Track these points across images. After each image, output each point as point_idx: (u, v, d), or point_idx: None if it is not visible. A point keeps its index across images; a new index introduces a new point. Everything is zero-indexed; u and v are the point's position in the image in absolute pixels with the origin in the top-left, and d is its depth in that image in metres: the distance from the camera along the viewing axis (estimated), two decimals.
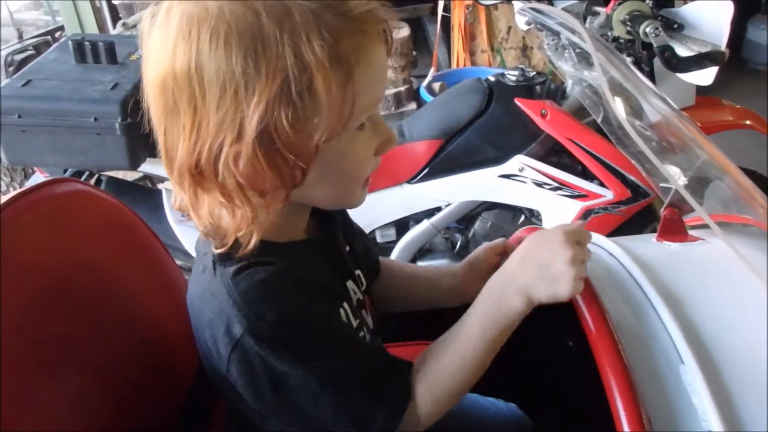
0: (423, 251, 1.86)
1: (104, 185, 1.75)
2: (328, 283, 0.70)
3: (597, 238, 0.84)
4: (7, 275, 0.65)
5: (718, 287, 0.73)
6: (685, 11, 1.33)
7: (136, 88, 0.79)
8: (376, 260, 0.91)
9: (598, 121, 1.31)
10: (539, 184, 1.66)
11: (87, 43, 1.60)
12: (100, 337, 0.75)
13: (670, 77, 1.42)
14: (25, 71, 1.59)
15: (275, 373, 0.62)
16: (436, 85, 2.97)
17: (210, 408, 0.86)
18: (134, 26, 2.54)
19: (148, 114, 0.62)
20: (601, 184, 1.64)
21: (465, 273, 0.85)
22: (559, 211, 1.69)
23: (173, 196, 0.67)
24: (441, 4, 3.19)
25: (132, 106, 1.42)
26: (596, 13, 1.50)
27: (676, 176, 0.86)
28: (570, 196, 1.66)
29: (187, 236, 1.74)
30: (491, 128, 1.68)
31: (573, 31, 1.30)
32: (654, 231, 0.83)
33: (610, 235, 0.83)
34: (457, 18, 3.14)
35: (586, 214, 1.66)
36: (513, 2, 1.63)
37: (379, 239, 1.87)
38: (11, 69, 1.68)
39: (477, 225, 1.80)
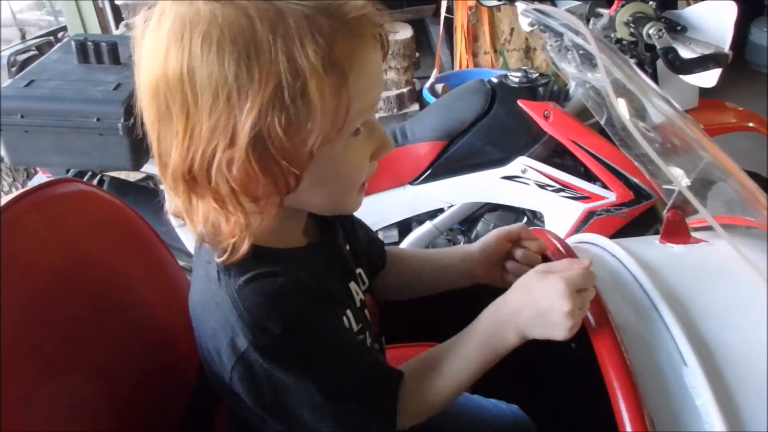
0: None
1: (107, 185, 1.75)
2: (331, 290, 0.70)
3: (600, 239, 0.84)
4: (9, 275, 0.65)
5: (722, 289, 0.73)
6: (689, 13, 1.33)
7: None
8: (381, 251, 0.90)
9: (602, 122, 1.30)
10: (542, 186, 1.66)
11: (90, 43, 1.60)
12: (101, 337, 0.75)
13: (673, 79, 1.42)
14: (28, 71, 1.59)
15: (278, 383, 0.62)
16: (439, 87, 2.96)
17: (212, 409, 0.85)
18: None
19: (142, 118, 0.62)
20: (604, 186, 1.64)
21: (477, 258, 0.85)
22: (561, 212, 1.69)
23: (168, 201, 0.67)
24: (444, 6, 3.18)
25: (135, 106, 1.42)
26: (599, 15, 1.49)
27: (679, 178, 0.86)
28: (573, 198, 1.66)
29: (190, 237, 1.74)
30: (494, 130, 1.67)
31: (576, 33, 1.30)
32: (657, 233, 0.83)
33: (612, 236, 0.83)
34: (460, 19, 3.13)
35: (588, 215, 1.66)
36: (516, 3, 1.63)
37: None
38: (14, 69, 1.68)
39: (479, 226, 1.80)
